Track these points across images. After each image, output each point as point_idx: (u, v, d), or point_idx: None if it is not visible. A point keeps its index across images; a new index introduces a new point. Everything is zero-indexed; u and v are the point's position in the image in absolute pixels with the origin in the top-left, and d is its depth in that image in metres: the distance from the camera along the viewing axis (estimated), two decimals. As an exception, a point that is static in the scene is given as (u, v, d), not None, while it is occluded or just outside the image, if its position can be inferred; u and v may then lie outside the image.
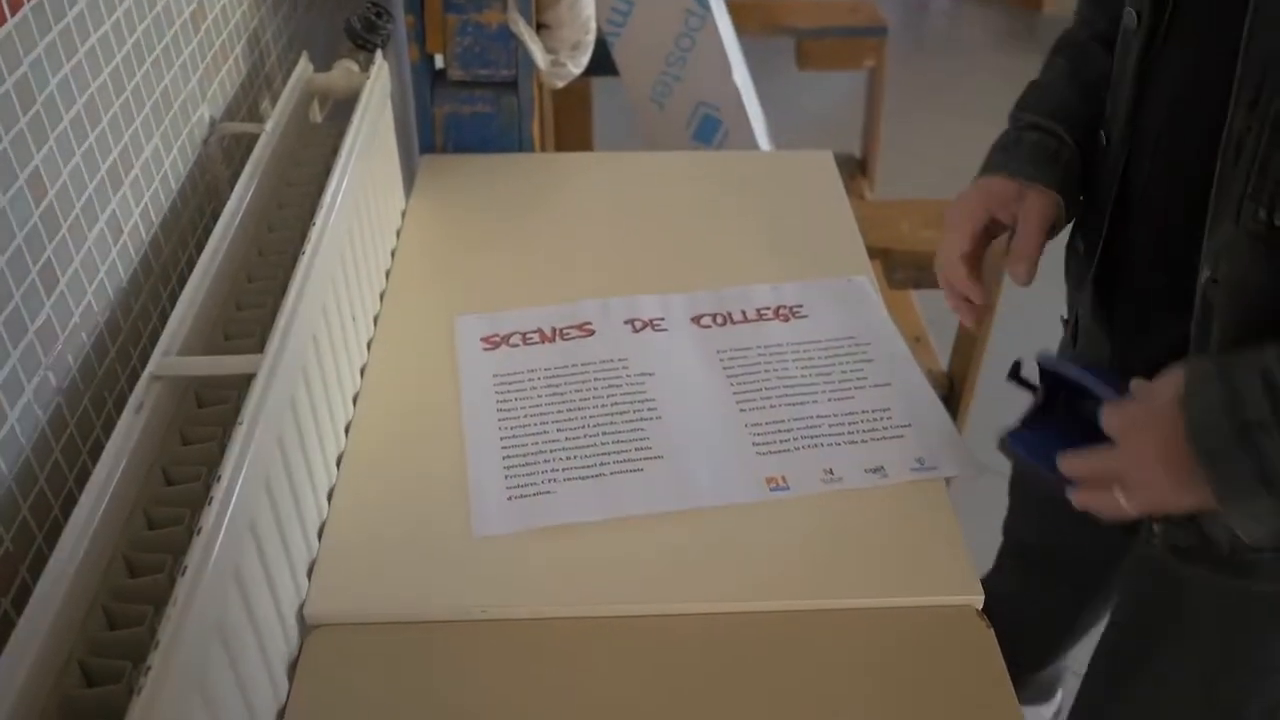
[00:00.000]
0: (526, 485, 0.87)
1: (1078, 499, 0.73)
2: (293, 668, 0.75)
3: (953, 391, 1.78)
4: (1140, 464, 0.69)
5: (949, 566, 0.81)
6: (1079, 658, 1.20)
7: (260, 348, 0.76)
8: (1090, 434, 0.73)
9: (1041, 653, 1.20)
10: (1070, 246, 0.88)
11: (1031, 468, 0.79)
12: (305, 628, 0.77)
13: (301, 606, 0.77)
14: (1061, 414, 0.82)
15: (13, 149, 0.65)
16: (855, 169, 2.23)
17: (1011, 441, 0.82)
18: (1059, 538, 1.08)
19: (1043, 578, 1.13)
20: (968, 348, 1.78)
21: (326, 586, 0.79)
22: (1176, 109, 0.73)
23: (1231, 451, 0.64)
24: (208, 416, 0.76)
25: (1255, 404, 0.63)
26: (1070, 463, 0.73)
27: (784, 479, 0.87)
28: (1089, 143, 0.85)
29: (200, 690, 0.60)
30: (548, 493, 0.86)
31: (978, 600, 0.79)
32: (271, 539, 0.72)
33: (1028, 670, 1.24)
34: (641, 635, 0.77)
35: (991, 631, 0.77)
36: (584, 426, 0.93)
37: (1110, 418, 0.71)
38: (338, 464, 0.89)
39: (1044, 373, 0.84)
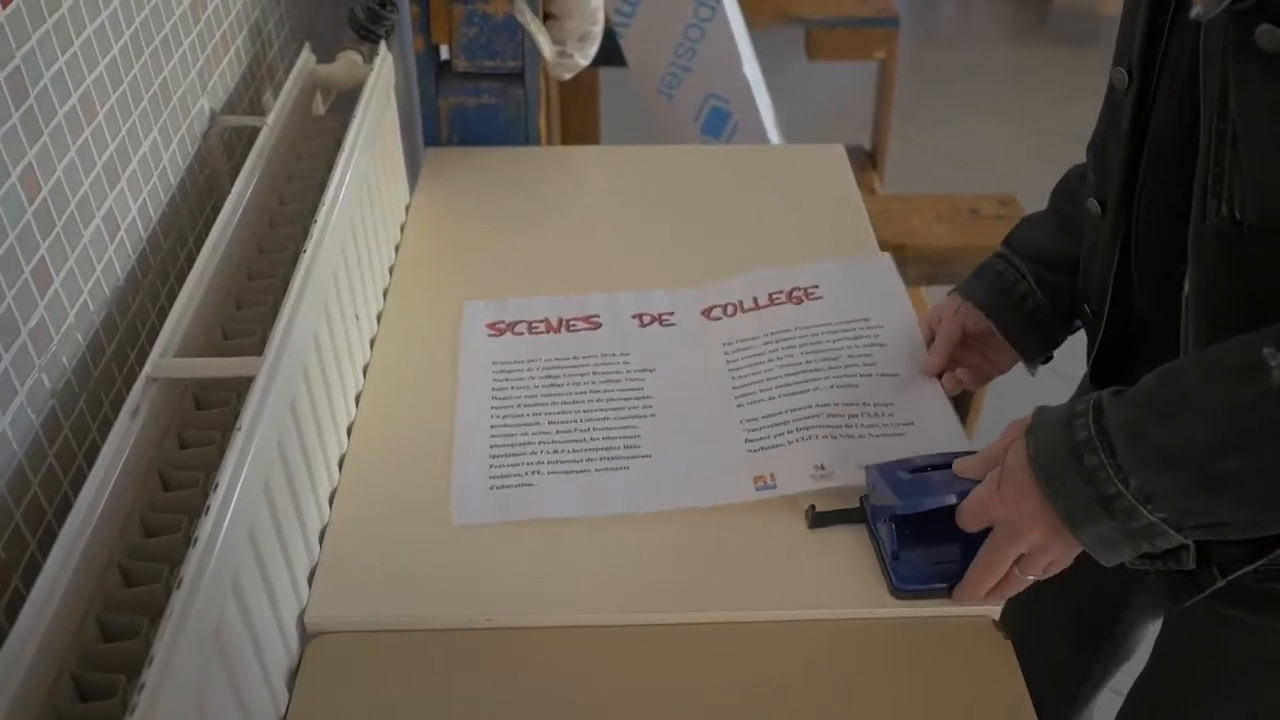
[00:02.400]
0: (509, 476, 0.86)
1: (993, 596, 0.75)
2: (293, 677, 0.73)
3: (965, 391, 1.76)
4: (1012, 517, 0.70)
5: (965, 575, 0.79)
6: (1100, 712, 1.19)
7: (261, 347, 0.74)
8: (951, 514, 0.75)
9: (1060, 705, 1.17)
10: (1079, 311, 0.87)
11: (935, 592, 0.77)
12: (305, 635, 0.76)
13: (302, 614, 0.76)
14: (914, 530, 0.78)
15: (4, 144, 0.63)
16: (865, 162, 2.20)
17: (900, 585, 0.77)
18: (1066, 581, 1.06)
19: (1053, 624, 1.10)
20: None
21: (327, 593, 0.77)
22: (1172, 166, 0.71)
23: (1068, 474, 0.66)
24: (206, 419, 0.74)
25: (1083, 425, 0.66)
26: (971, 586, 0.75)
27: (772, 477, 0.85)
28: (1057, 266, 0.92)
29: (196, 705, 0.58)
30: (529, 485, 0.85)
31: (994, 611, 0.77)
32: (271, 546, 0.70)
33: None
34: (648, 644, 0.75)
35: (1009, 643, 0.75)
36: (576, 420, 0.91)
37: (969, 466, 0.76)
38: (340, 466, 0.87)
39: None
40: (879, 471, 0.80)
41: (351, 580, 0.79)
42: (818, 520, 0.82)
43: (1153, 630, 1.05)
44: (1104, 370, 0.86)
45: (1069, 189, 0.93)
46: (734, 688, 0.73)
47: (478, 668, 0.74)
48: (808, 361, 0.96)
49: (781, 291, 1.04)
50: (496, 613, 0.76)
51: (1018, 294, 0.93)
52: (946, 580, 0.77)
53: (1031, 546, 0.71)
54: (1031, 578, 0.73)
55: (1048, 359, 0.97)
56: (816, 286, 1.04)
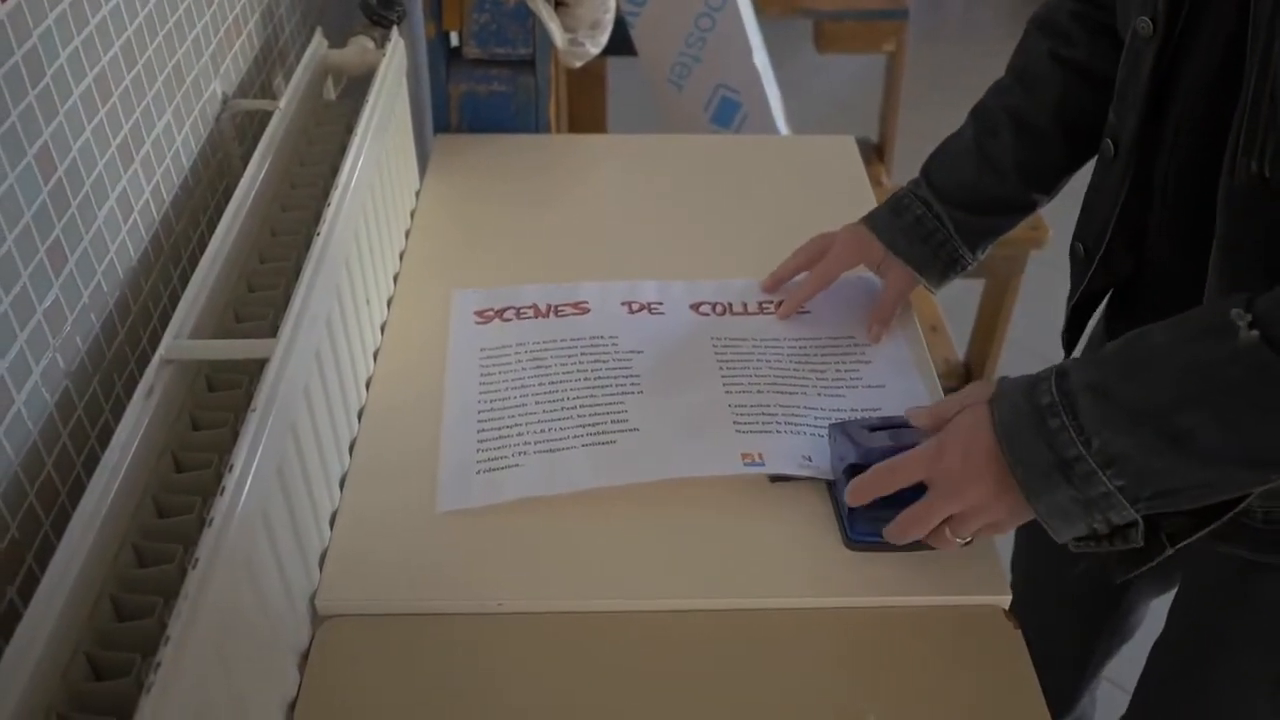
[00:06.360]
0: (496, 459, 0.85)
1: (935, 543, 0.76)
2: (304, 659, 0.73)
3: (969, 382, 1.76)
4: (955, 472, 0.71)
5: (975, 565, 0.79)
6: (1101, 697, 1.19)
7: (272, 330, 0.74)
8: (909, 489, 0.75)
9: (1063, 691, 1.17)
10: (1072, 252, 0.87)
11: (888, 546, 0.78)
12: (317, 618, 0.76)
13: (313, 597, 0.76)
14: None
15: (21, 123, 0.63)
16: (872, 154, 2.20)
17: (855, 539, 0.79)
18: (1067, 567, 1.06)
19: (1056, 610, 1.10)
20: (985, 337, 1.76)
21: (338, 577, 0.77)
22: (1201, 122, 0.72)
23: (1029, 438, 0.66)
24: (219, 401, 0.74)
25: (1046, 390, 0.67)
26: (898, 530, 0.75)
27: (760, 455, 0.85)
28: (979, 208, 0.94)
29: (210, 684, 0.58)
30: (516, 465, 0.85)
31: (1004, 600, 0.77)
32: (284, 529, 0.70)
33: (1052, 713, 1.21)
34: (656, 631, 0.75)
35: (1019, 632, 0.75)
36: (562, 400, 0.91)
37: (920, 416, 0.78)
38: (350, 451, 0.87)
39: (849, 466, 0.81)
40: (839, 428, 0.82)
41: (362, 564, 0.79)
42: (779, 475, 0.84)
43: (1154, 608, 1.06)
44: (1084, 313, 0.87)
45: (991, 120, 0.94)
46: (742, 675, 0.73)
47: (488, 652, 0.74)
48: (796, 370, 0.95)
49: (772, 302, 1.03)
50: (507, 598, 0.76)
51: (937, 240, 0.96)
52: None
53: (967, 506, 0.72)
54: (960, 542, 0.74)
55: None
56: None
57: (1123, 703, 1.05)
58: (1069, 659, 1.14)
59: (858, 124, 2.36)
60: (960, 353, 1.84)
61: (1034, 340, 1.01)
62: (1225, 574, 0.84)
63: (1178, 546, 0.70)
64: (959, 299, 0.99)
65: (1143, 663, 0.99)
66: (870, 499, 0.76)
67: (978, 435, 0.70)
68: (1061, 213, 1.07)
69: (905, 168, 2.36)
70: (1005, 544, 0.92)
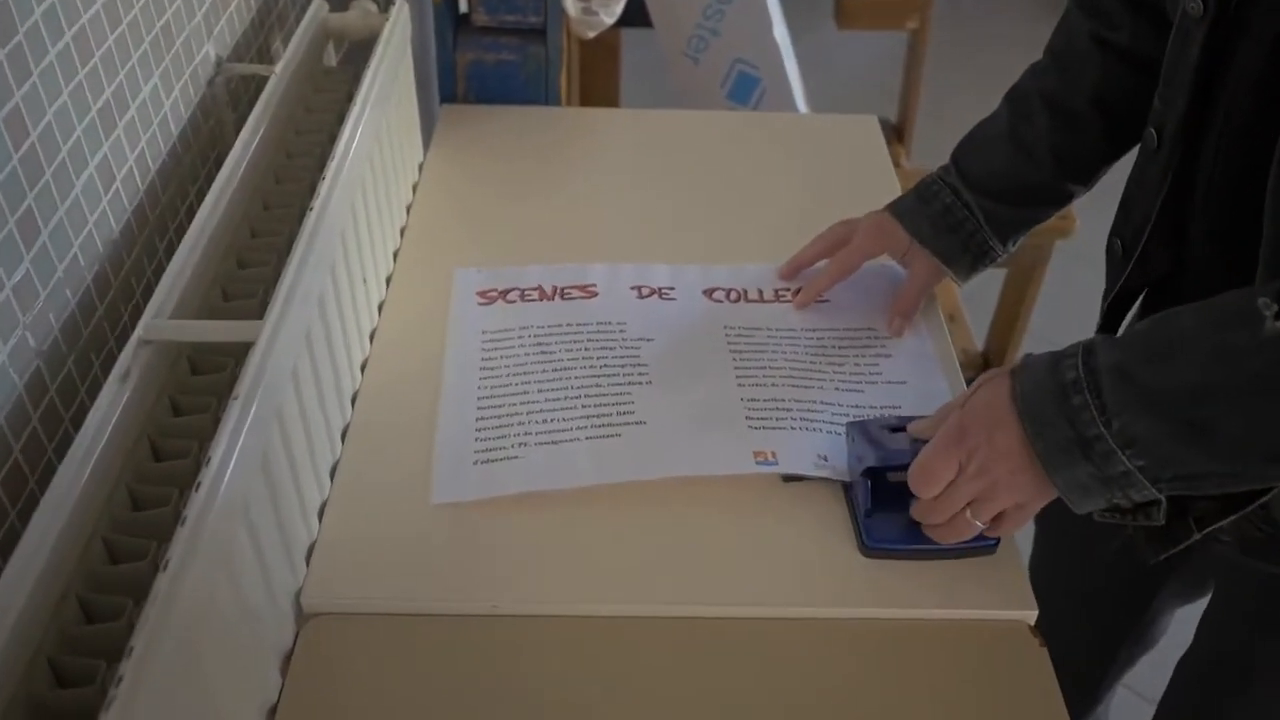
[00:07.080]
0: (495, 449, 0.81)
1: (938, 536, 0.73)
2: (287, 660, 0.69)
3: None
4: (981, 449, 0.69)
5: (999, 577, 0.75)
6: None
7: (261, 310, 0.70)
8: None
9: (1079, 698, 1.13)
10: (1109, 249, 0.83)
11: (907, 553, 0.75)
12: (301, 616, 0.72)
13: (298, 593, 0.72)
14: (889, 489, 0.75)
15: (-11, 84, 0.59)
16: (891, 135, 2.14)
17: (871, 545, 0.75)
18: (1090, 570, 1.02)
19: (1076, 615, 1.07)
20: (1005, 328, 1.72)
21: (325, 573, 0.73)
22: (1246, 101, 0.68)
23: (1050, 414, 0.65)
24: (202, 385, 0.70)
25: (1071, 366, 0.65)
26: (922, 510, 0.73)
27: (773, 454, 0.81)
28: (1011, 197, 0.91)
29: (180, 693, 0.54)
30: (515, 458, 0.80)
31: (1031, 615, 0.73)
32: (267, 523, 0.66)
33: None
34: (658, 639, 0.71)
35: (1045, 650, 0.71)
36: (567, 388, 0.86)
37: (930, 423, 0.74)
38: (342, 438, 0.83)
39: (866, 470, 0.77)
40: (858, 427, 0.78)
41: (351, 559, 0.74)
42: (792, 475, 0.80)
43: (1180, 618, 1.02)
44: (1119, 311, 0.83)
45: (1026, 104, 0.90)
46: (749, 688, 0.69)
47: (482, 656, 0.70)
48: (812, 363, 0.91)
49: (789, 290, 0.98)
50: (502, 599, 0.72)
51: (966, 230, 0.92)
52: (917, 541, 0.74)
53: (991, 483, 0.69)
54: (980, 524, 0.71)
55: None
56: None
57: (1143, 711, 1.01)
58: (1087, 665, 1.11)
59: (876, 103, 2.30)
60: (979, 343, 1.79)
61: (1056, 332, 0.98)
62: (1258, 596, 0.80)
63: (1205, 531, 0.68)
64: (979, 287, 0.95)
65: (1165, 671, 0.95)
66: (943, 517, 0.72)
67: (1001, 411, 0.68)
68: (1090, 203, 1.02)
69: (925, 150, 2.32)
70: (1025, 544, 0.88)
